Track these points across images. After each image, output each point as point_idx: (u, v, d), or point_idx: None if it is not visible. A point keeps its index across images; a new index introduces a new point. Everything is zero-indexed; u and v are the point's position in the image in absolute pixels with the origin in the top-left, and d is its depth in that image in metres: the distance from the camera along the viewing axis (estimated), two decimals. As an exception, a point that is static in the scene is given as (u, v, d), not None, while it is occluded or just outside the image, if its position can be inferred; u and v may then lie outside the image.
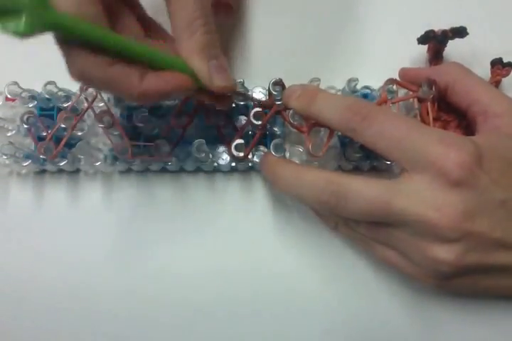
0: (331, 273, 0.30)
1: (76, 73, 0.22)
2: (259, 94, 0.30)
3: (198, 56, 0.23)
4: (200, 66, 0.24)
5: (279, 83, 0.28)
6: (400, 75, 0.31)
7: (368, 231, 0.26)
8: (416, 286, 0.30)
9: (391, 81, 0.29)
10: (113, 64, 0.22)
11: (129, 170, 0.32)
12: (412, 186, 0.23)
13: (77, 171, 0.32)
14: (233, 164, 0.30)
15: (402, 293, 0.30)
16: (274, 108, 0.28)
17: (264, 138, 0.30)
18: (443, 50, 0.32)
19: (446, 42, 0.30)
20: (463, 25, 0.30)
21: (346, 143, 0.30)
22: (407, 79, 0.31)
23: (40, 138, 0.30)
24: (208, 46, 0.24)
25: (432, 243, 0.23)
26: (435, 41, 0.30)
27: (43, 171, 0.32)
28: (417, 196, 0.23)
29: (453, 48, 0.32)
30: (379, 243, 0.27)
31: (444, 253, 0.23)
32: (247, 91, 0.30)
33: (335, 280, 0.30)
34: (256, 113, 0.28)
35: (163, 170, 0.32)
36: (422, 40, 0.31)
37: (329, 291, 0.30)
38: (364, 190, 0.24)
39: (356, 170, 0.31)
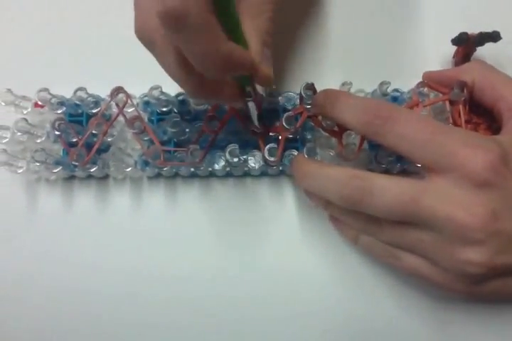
0: (337, 274, 0.30)
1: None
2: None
3: (256, 38, 0.24)
4: (256, 47, 0.24)
5: (310, 87, 0.28)
6: (423, 79, 0.31)
7: (392, 236, 0.26)
8: (421, 287, 0.29)
9: (422, 84, 0.29)
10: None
11: (157, 176, 0.32)
12: (439, 186, 0.23)
13: (106, 177, 0.32)
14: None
15: (405, 293, 0.30)
16: (305, 113, 0.28)
17: (295, 142, 0.30)
18: (472, 54, 0.32)
19: (481, 45, 0.30)
20: (490, 28, 0.30)
21: (377, 145, 0.30)
22: (432, 81, 0.30)
23: (70, 145, 0.29)
24: (267, 33, 0.24)
25: (461, 245, 0.23)
26: (469, 43, 0.30)
27: (72, 177, 0.32)
28: (444, 196, 0.23)
29: (479, 53, 0.32)
30: (404, 250, 0.26)
31: (474, 254, 0.23)
32: (279, 95, 0.30)
33: (339, 281, 0.30)
34: (287, 117, 0.28)
35: (192, 175, 0.32)
36: (457, 41, 0.31)
37: (332, 292, 0.30)
38: (390, 186, 0.24)
39: (386, 172, 0.31)
